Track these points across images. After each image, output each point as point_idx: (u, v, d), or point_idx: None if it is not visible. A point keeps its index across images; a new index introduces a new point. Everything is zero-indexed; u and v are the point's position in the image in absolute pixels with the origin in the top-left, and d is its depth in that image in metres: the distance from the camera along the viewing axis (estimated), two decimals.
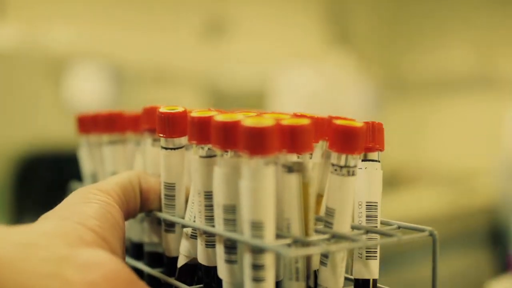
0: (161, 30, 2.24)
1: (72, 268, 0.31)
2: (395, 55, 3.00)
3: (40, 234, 0.33)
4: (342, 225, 0.36)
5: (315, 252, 0.35)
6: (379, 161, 0.39)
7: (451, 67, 2.77)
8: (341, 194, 0.35)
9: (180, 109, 0.40)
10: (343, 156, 0.35)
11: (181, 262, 0.39)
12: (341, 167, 0.35)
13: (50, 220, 0.35)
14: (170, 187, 0.40)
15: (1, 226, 0.33)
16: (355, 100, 2.35)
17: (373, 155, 0.39)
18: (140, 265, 0.44)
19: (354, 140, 0.35)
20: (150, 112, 0.42)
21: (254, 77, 2.39)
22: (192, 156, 0.37)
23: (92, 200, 0.37)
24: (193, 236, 0.39)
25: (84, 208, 0.36)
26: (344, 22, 2.84)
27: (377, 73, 2.86)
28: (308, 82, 2.25)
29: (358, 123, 0.35)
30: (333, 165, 0.36)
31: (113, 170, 0.48)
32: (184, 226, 0.39)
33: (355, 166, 0.35)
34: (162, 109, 0.40)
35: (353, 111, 2.24)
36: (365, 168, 0.39)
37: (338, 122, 0.35)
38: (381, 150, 0.39)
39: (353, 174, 0.35)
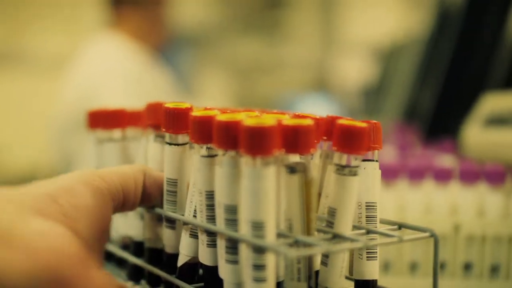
0: None
1: (18, 234, 0.31)
2: None
3: None
4: (343, 225, 0.36)
5: (316, 252, 0.35)
6: (377, 161, 0.39)
7: None
8: (343, 194, 0.36)
9: (186, 105, 0.40)
10: (347, 156, 0.36)
11: (181, 261, 0.40)
12: (343, 167, 0.36)
13: (20, 188, 0.35)
14: (172, 182, 0.40)
15: None
16: None
17: (372, 154, 0.39)
18: (140, 262, 0.44)
19: (358, 140, 0.35)
20: (154, 108, 0.42)
21: None
22: (193, 155, 0.37)
23: (81, 179, 0.37)
24: (193, 235, 0.39)
25: (65, 182, 0.36)
26: None
27: None
28: None
29: (362, 123, 0.35)
30: (336, 164, 0.36)
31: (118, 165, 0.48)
32: (185, 223, 0.39)
33: (357, 166, 0.36)
34: (169, 105, 0.39)
35: None
36: (364, 168, 0.38)
37: (342, 122, 0.35)
38: (379, 149, 0.39)
39: (355, 174, 0.36)
